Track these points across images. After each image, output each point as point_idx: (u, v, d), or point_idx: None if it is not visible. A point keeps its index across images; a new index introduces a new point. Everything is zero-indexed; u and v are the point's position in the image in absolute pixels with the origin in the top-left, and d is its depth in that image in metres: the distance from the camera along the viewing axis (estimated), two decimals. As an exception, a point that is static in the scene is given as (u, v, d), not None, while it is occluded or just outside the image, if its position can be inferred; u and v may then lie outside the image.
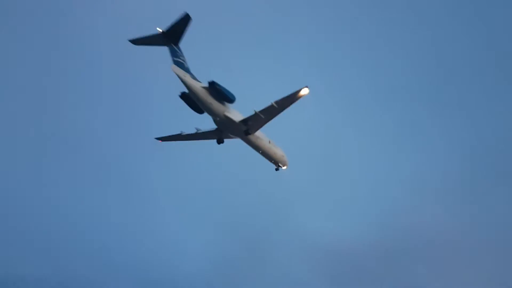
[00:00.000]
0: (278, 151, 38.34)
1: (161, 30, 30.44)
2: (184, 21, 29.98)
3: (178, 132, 36.28)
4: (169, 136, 36.98)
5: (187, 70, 31.02)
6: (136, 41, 31.28)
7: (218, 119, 32.79)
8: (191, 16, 29.68)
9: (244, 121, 33.17)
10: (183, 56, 30.31)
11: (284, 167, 39.10)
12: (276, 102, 32.01)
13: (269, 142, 37.50)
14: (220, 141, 35.92)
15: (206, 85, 31.04)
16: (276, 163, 38.52)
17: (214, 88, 30.94)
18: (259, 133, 35.74)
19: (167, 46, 30.53)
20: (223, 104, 32.17)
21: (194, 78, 31.51)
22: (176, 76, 30.06)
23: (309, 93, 31.44)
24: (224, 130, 33.85)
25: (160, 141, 38.66)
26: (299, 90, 30.69)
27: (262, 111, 32.66)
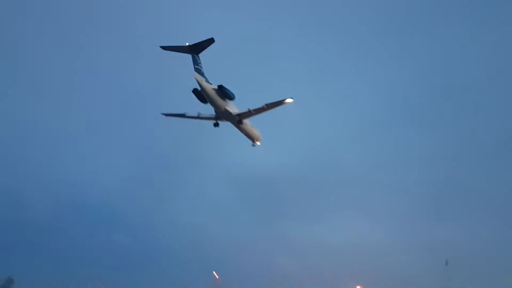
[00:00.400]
0: (256, 132, 46.30)
1: (188, 44, 37.16)
2: (208, 42, 37.13)
3: (183, 112, 42.55)
4: (174, 113, 42.83)
5: (202, 74, 38.23)
6: (165, 48, 37.61)
7: (219, 110, 40.22)
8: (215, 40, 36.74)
9: (239, 114, 41.29)
10: (201, 64, 36.72)
11: (258, 143, 45.81)
12: (267, 104, 40.86)
13: (251, 126, 45.52)
14: (216, 125, 42.98)
15: (216, 87, 38.44)
16: (253, 140, 45.97)
17: (221, 90, 39.01)
18: (245, 120, 43.82)
19: (190, 54, 36.67)
20: (225, 100, 39.70)
21: (207, 81, 39.29)
22: (195, 80, 37.84)
23: (292, 102, 39.75)
24: (222, 117, 41.07)
25: (164, 115, 44.64)
26: (285, 99, 39.38)
27: (254, 109, 41.71)
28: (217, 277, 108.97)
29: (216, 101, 38.75)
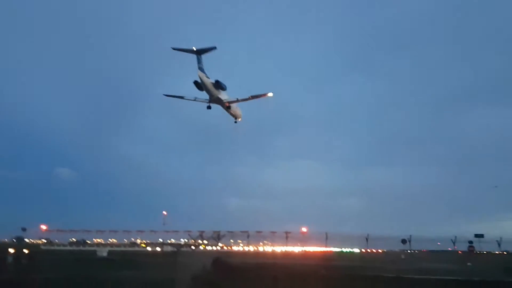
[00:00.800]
0: (239, 112, 54.46)
1: (195, 48, 46.03)
2: (211, 49, 45.90)
3: (182, 95, 50.86)
4: (174, 95, 51.40)
5: (203, 71, 46.82)
6: (176, 48, 46.09)
7: (212, 97, 49.22)
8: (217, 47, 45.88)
9: (229, 101, 50.45)
10: (202, 62, 46.59)
11: (240, 119, 55.20)
12: (252, 96, 50.11)
13: (236, 107, 53.31)
14: (209, 107, 51.59)
15: (213, 81, 47.81)
16: (236, 117, 54.55)
17: (217, 83, 48.13)
18: (232, 104, 52.45)
19: (195, 55, 46.17)
20: (218, 90, 48.58)
21: (206, 76, 47.44)
22: (198, 76, 46.61)
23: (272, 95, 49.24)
24: (214, 102, 50.48)
25: (165, 96, 52.43)
26: (267, 93, 49.39)
27: (241, 99, 50.81)
28: (165, 213, 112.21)
29: (211, 91, 48.30)
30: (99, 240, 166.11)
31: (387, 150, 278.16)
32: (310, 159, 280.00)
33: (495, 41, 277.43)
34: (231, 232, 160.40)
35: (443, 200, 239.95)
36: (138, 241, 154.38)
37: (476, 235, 71.89)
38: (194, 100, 50.03)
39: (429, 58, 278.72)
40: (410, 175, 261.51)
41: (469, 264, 58.69)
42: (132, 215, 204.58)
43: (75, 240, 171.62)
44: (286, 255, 71.19)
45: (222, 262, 40.25)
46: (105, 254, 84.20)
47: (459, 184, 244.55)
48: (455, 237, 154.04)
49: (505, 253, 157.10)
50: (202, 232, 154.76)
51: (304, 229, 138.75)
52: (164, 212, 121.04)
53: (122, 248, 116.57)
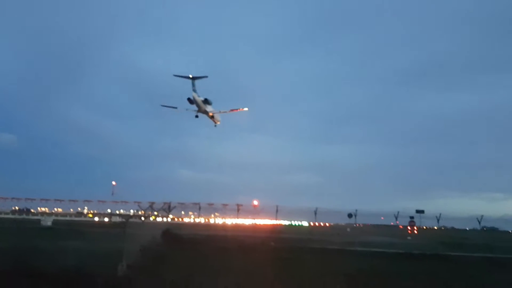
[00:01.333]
0: (219, 119, 64.17)
1: (191, 76, 57.38)
2: (203, 77, 57.98)
3: (176, 106, 61.24)
4: (169, 106, 62.37)
5: (196, 91, 57.48)
6: (176, 75, 57.89)
7: (200, 110, 59.85)
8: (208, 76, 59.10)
9: (213, 112, 61.58)
10: (195, 85, 57.19)
11: (219, 123, 64.32)
12: (231, 109, 62.57)
13: (218, 115, 63.43)
14: (196, 116, 62.06)
15: (203, 99, 58.31)
16: (216, 122, 63.86)
17: (206, 100, 58.81)
18: (215, 114, 63.15)
19: (191, 80, 56.87)
20: (206, 105, 59.35)
21: (198, 95, 57.73)
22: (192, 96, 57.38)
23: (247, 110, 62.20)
24: (201, 112, 60.42)
25: (162, 106, 63.25)
26: (244, 108, 62.12)
27: (223, 111, 62.64)
28: (114, 183, 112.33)
29: (201, 106, 59.29)
30: (43, 209, 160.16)
31: (338, 127, 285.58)
32: (263, 133, 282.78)
33: (448, 25, 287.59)
34: (182, 204, 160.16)
35: (389, 177, 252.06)
36: (85, 211, 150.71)
37: (417, 211, 76.11)
38: (186, 110, 61.62)
39: (384, 37, 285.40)
40: (358, 152, 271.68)
41: (409, 238, 62.11)
42: (80, 184, 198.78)
43: (17, 208, 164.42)
44: (236, 227, 72.20)
45: (172, 233, 40.03)
46: (49, 223, 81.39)
47: (404, 162, 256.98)
48: (398, 212, 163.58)
49: (443, 228, 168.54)
50: (153, 203, 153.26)
51: (255, 202, 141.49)
52: (114, 182, 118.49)
53: (68, 218, 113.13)
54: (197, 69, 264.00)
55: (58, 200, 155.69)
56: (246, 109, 61.68)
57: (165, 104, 61.45)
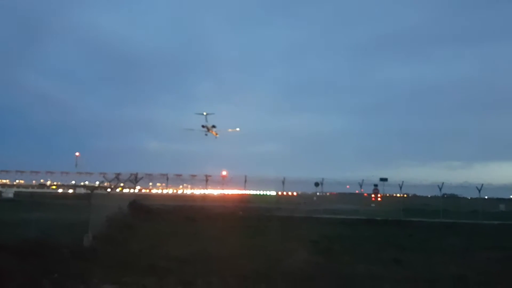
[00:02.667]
0: (218, 132, 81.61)
1: (205, 113, 75.26)
2: (212, 113, 76.31)
3: (192, 128, 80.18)
4: (188, 128, 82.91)
5: (207, 121, 76.78)
6: (196, 113, 75.86)
7: (209, 131, 78.47)
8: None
9: (216, 131, 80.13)
10: (207, 120, 75.76)
11: (218, 136, 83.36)
12: (230, 129, 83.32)
13: (217, 131, 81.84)
14: (206, 134, 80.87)
15: (211, 125, 76.84)
16: (215, 134, 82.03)
17: (214, 126, 77.11)
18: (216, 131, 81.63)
19: (204, 115, 75.42)
20: (212, 128, 77.83)
21: (207, 122, 76.73)
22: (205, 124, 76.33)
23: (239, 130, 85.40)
24: (209, 131, 79.55)
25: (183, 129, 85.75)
26: (235, 128, 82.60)
27: (223, 130, 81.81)
28: (78, 154, 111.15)
29: (210, 129, 78.05)
30: (4, 181, 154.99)
31: (303, 97, 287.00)
32: (229, 103, 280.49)
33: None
34: (149, 174, 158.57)
35: (354, 146, 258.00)
36: (48, 182, 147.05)
37: (381, 179, 78.75)
38: (199, 130, 79.89)
39: (348, 8, 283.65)
40: (324, 122, 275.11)
41: (373, 205, 64.38)
42: (41, 155, 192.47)
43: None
44: (205, 197, 72.88)
45: (139, 204, 39.85)
46: (11, 195, 79.11)
47: (368, 132, 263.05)
48: (362, 180, 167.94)
49: (405, 195, 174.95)
50: (118, 174, 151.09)
51: (224, 173, 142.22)
52: (77, 153, 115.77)
53: (31, 190, 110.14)
54: (163, 37, 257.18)
55: (19, 171, 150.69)
56: (238, 129, 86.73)
57: (186, 128, 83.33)
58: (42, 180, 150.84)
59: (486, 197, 65.33)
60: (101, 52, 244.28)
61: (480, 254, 23.38)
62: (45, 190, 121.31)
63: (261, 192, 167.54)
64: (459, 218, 41.69)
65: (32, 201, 57.80)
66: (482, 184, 46.79)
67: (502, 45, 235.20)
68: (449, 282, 19.42)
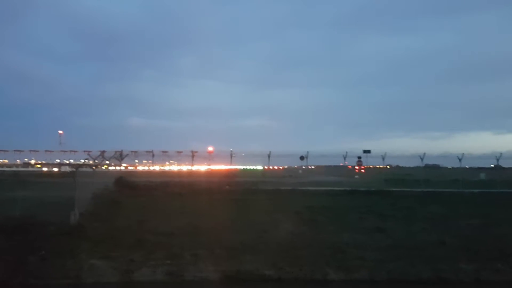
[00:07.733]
0: None
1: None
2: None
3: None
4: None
5: None
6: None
7: None
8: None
9: None
10: None
11: None
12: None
13: None
14: None
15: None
16: None
17: None
18: None
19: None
20: None
21: None
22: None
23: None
24: None
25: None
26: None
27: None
28: (61, 132, 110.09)
29: None
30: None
31: (286, 71, 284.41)
32: (212, 79, 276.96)
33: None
34: (135, 152, 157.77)
35: (337, 119, 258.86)
36: (33, 161, 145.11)
37: (364, 151, 79.68)
38: None
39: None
40: (308, 95, 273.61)
41: (356, 177, 65.31)
42: (24, 133, 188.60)
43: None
44: (192, 173, 73.03)
45: (125, 181, 39.78)
46: (-6, 175, 78.21)
47: (351, 104, 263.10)
48: (346, 152, 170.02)
49: (388, 167, 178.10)
50: (103, 152, 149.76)
51: (210, 148, 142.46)
52: (60, 131, 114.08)
53: (15, 169, 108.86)
54: (145, 11, 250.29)
55: (2, 150, 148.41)
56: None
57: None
58: (26, 159, 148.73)
59: (467, 166, 66.75)
60: (83, 28, 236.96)
61: (460, 221, 24.21)
62: (30, 169, 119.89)
63: (248, 167, 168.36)
64: (440, 187, 42.72)
65: (16, 180, 57.10)
66: (463, 154, 47.62)
67: (483, 14, 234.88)
68: (431, 248, 20.20)
